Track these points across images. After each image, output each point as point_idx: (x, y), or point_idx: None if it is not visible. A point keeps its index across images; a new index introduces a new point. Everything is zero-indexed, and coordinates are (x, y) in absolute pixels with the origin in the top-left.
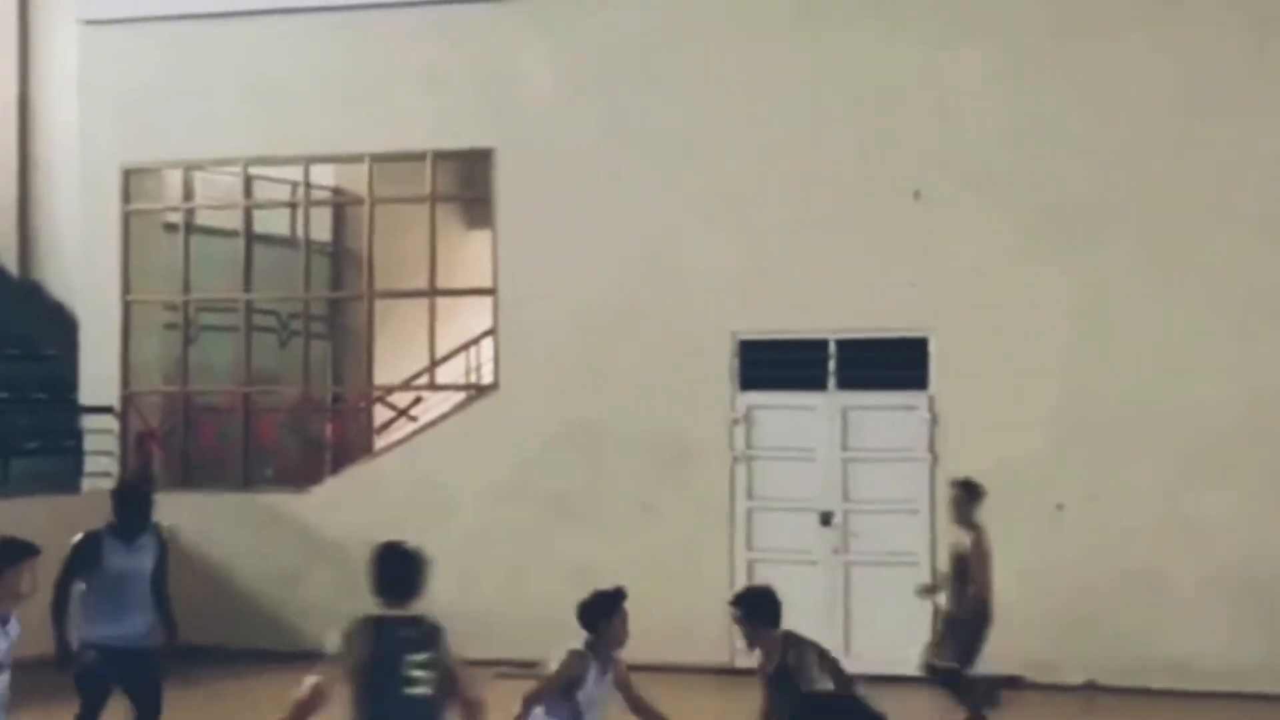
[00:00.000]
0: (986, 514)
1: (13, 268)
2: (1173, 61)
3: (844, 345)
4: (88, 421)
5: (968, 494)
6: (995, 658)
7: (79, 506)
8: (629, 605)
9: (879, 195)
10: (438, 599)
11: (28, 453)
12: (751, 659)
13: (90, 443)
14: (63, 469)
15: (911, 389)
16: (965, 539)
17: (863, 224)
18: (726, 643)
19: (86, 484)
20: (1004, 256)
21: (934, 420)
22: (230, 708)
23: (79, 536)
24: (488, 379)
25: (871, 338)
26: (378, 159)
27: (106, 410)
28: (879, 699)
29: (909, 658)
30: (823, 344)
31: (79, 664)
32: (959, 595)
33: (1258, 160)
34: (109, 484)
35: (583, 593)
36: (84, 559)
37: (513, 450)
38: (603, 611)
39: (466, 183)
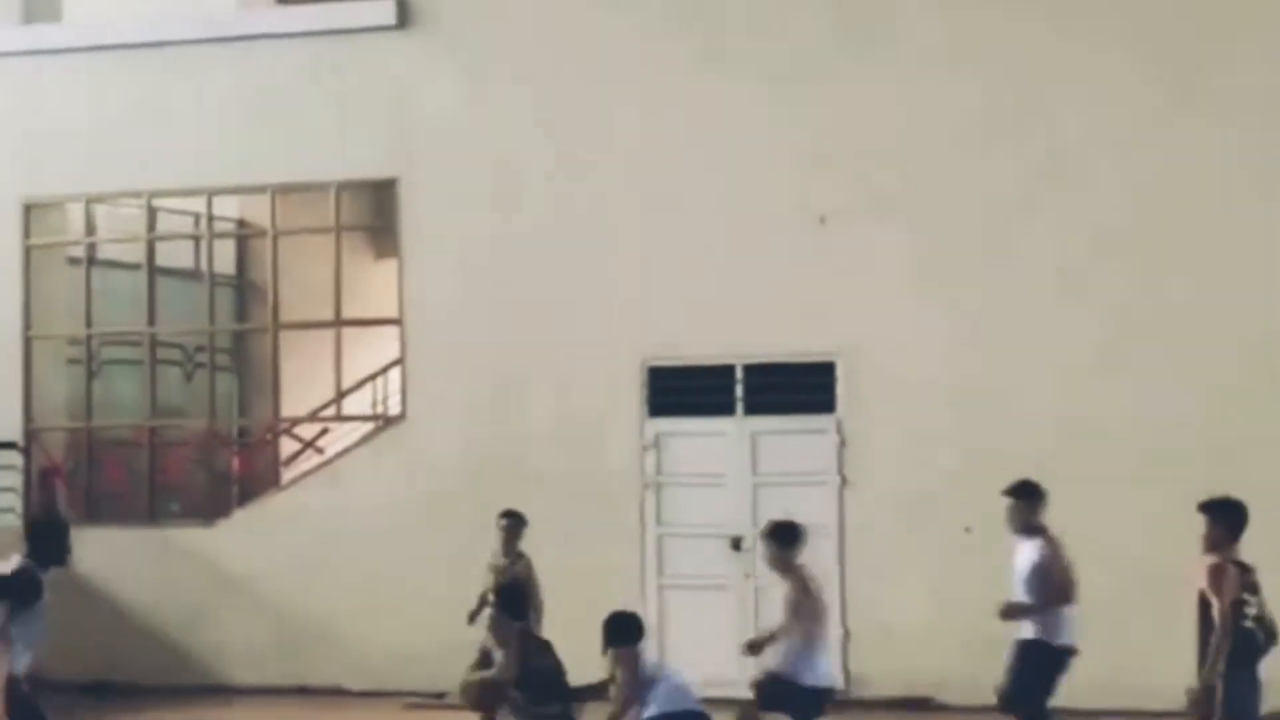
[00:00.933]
0: (896, 536)
1: None
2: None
3: (751, 370)
4: None
5: (1028, 497)
6: (908, 680)
7: None
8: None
9: (785, 220)
10: (344, 631)
11: None
12: None
13: None
14: None
15: (819, 413)
16: (1031, 550)
17: (769, 248)
18: None
19: None
20: (908, 279)
21: (842, 443)
22: None
23: (19, 566)
24: (396, 410)
25: (779, 362)
26: (281, 189)
27: (10, 446)
28: None
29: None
30: (730, 369)
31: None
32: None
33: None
34: (12, 520)
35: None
36: (33, 590)
37: (423, 481)
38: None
39: (372, 212)
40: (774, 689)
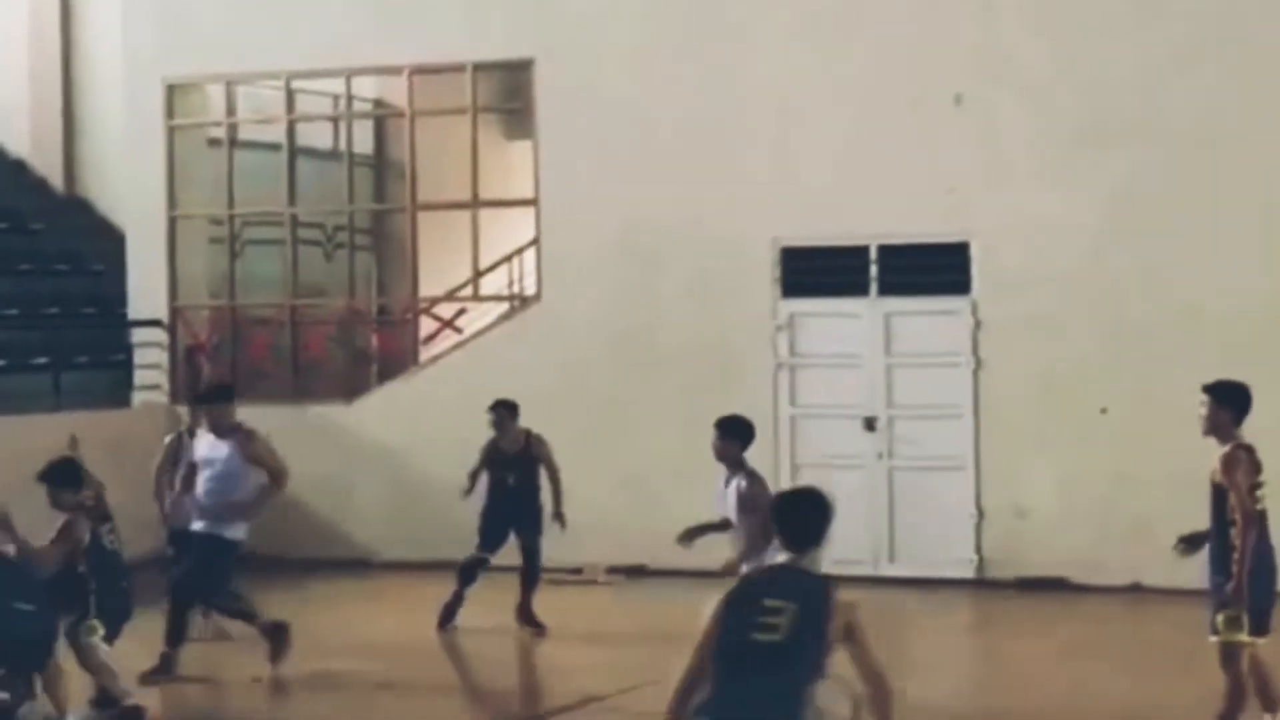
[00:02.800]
0: (1029, 418)
1: (59, 184)
2: None
3: (886, 251)
4: (137, 335)
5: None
6: (1041, 560)
7: (129, 420)
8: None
9: (920, 100)
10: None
11: (78, 367)
12: None
13: (139, 357)
14: (112, 383)
15: (954, 294)
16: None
17: (904, 129)
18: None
19: (136, 398)
20: (1045, 160)
21: (977, 325)
22: (282, 613)
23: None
24: (531, 290)
25: (913, 243)
26: (418, 71)
27: (155, 324)
28: (923, 602)
29: (952, 560)
30: (864, 250)
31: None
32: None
33: None
34: (159, 397)
35: (627, 501)
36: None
37: (556, 360)
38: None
39: (507, 93)
40: None
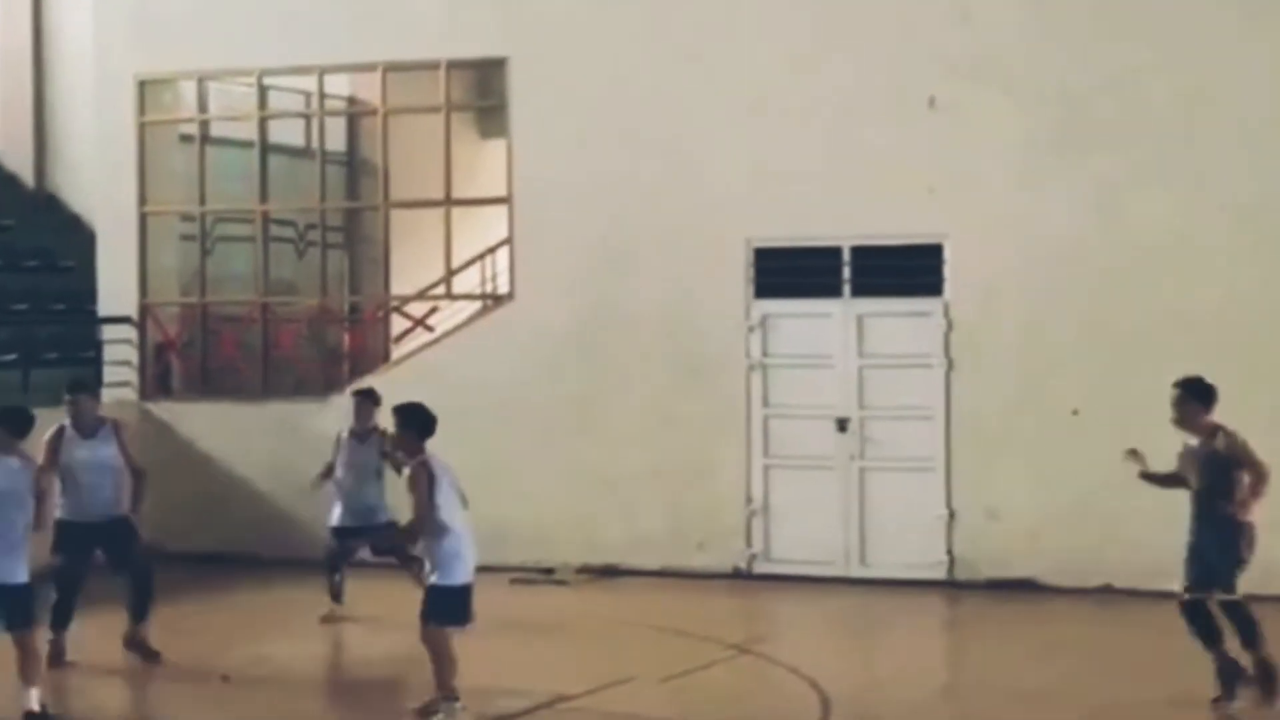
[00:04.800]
0: (1001, 420)
1: (29, 179)
2: None
3: (859, 252)
4: (107, 332)
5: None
6: (1012, 562)
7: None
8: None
9: (896, 101)
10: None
11: (48, 363)
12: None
13: (109, 353)
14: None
15: (927, 295)
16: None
17: (879, 131)
18: (741, 548)
19: (106, 394)
20: (1019, 161)
21: (949, 326)
22: (251, 614)
23: None
24: (504, 288)
25: (886, 244)
26: (391, 68)
27: (125, 321)
28: (894, 604)
29: (923, 562)
30: (838, 251)
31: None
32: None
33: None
34: (129, 394)
35: (600, 500)
36: None
37: (529, 359)
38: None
39: (481, 91)
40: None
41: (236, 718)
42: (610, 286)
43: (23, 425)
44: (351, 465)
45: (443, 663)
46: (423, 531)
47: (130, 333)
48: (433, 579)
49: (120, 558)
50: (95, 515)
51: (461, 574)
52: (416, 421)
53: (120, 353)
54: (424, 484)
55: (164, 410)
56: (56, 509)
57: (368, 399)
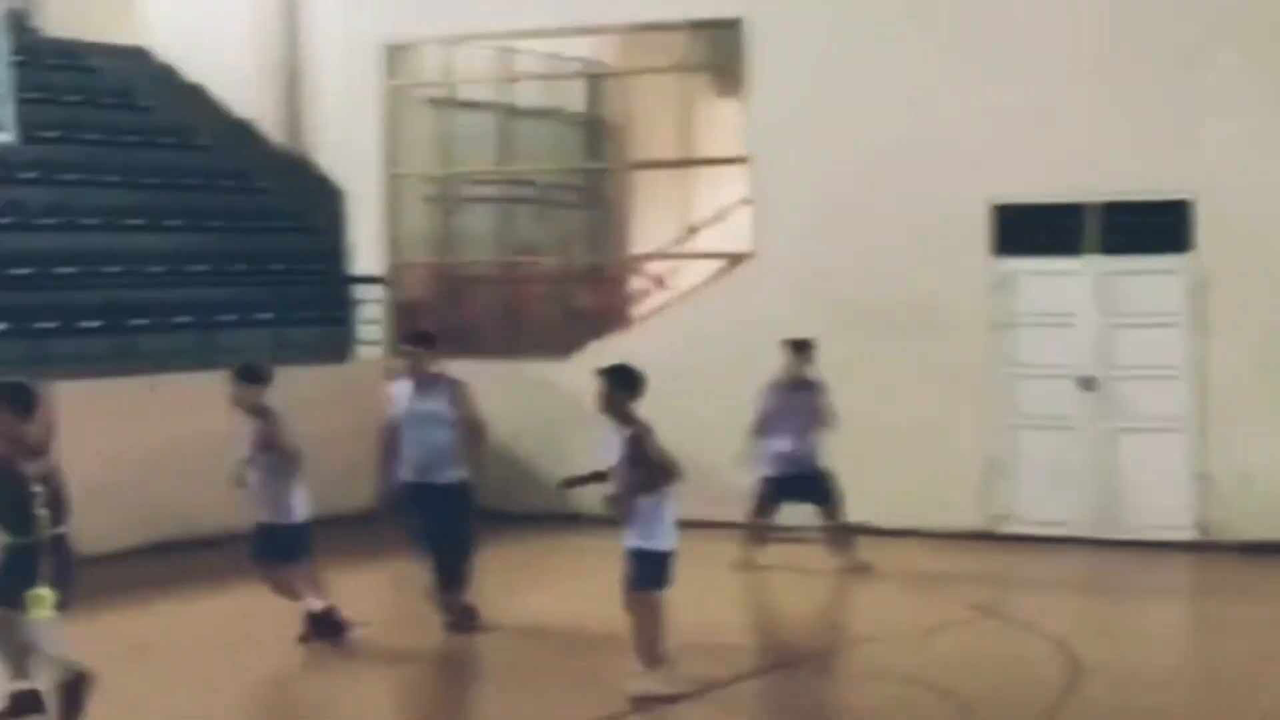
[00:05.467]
0: (1252, 379)
1: (283, 143)
2: None
3: (1104, 209)
4: (357, 292)
5: None
6: (1265, 526)
7: (348, 375)
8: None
9: (1142, 54)
10: (692, 462)
11: (300, 322)
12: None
13: (359, 313)
14: (333, 338)
15: (1173, 253)
16: None
17: (1126, 84)
18: (984, 508)
19: (356, 354)
20: (1269, 116)
21: (1198, 284)
22: (489, 570)
23: None
24: (744, 247)
25: (1132, 200)
26: (631, 30)
27: (375, 281)
28: (1141, 567)
29: (1171, 524)
30: (1080, 208)
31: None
32: None
33: None
34: (378, 353)
35: (839, 456)
36: None
37: (768, 319)
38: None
39: (718, 51)
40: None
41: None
42: (849, 245)
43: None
44: None
45: (653, 629)
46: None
47: (380, 293)
48: (639, 543)
49: (446, 520)
50: (429, 473)
51: (671, 539)
52: (627, 382)
53: (370, 312)
54: (657, 443)
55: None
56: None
57: None
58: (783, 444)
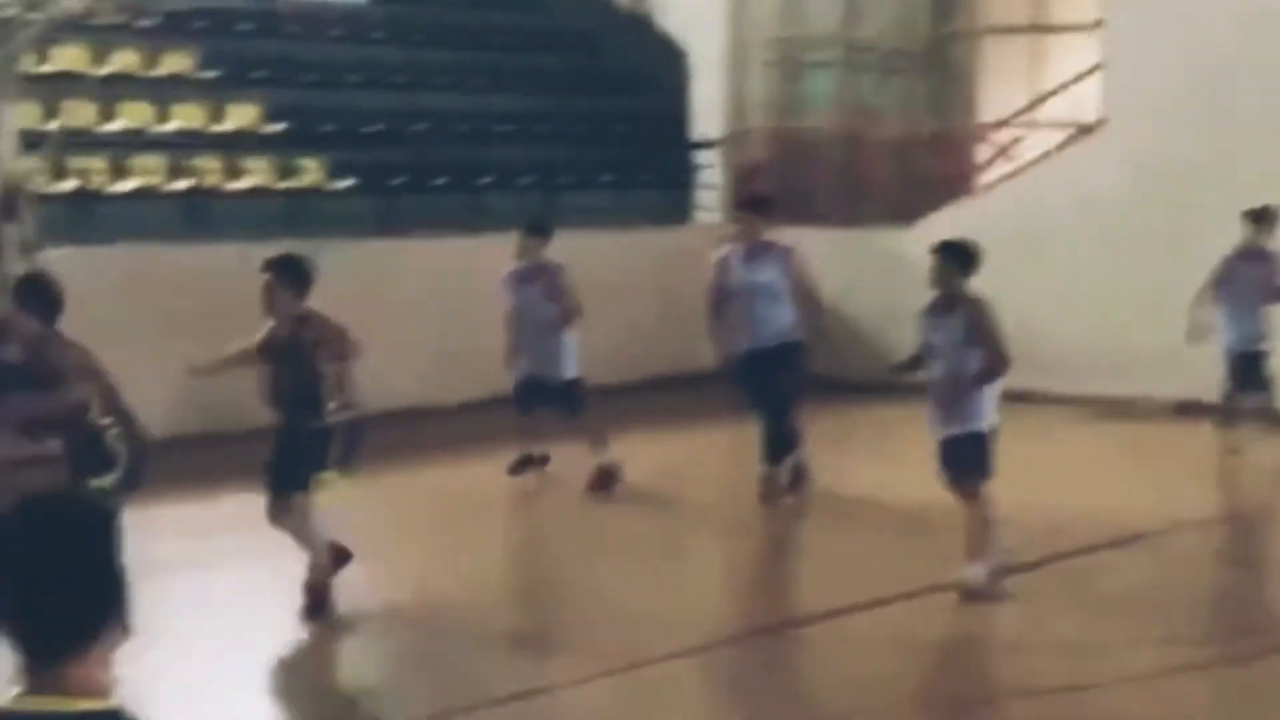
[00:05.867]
0: None
1: (626, 3)
2: None
3: None
4: (697, 156)
5: None
6: None
7: (684, 238)
8: None
9: None
10: (1036, 331)
11: (641, 185)
12: None
13: (700, 177)
14: (673, 201)
15: None
16: None
17: None
18: None
19: (695, 218)
20: None
21: None
22: (828, 434)
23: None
24: (1093, 116)
25: None
26: None
27: (715, 144)
28: None
29: None
30: None
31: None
32: None
33: None
34: (716, 217)
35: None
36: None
37: (1115, 191)
38: None
39: None
40: None
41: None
42: (1203, 118)
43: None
44: None
45: (985, 520)
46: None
47: (720, 157)
48: (979, 426)
49: (774, 386)
50: (760, 340)
51: (995, 419)
52: (961, 258)
53: (710, 176)
54: (993, 322)
55: None
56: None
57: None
58: (1233, 318)
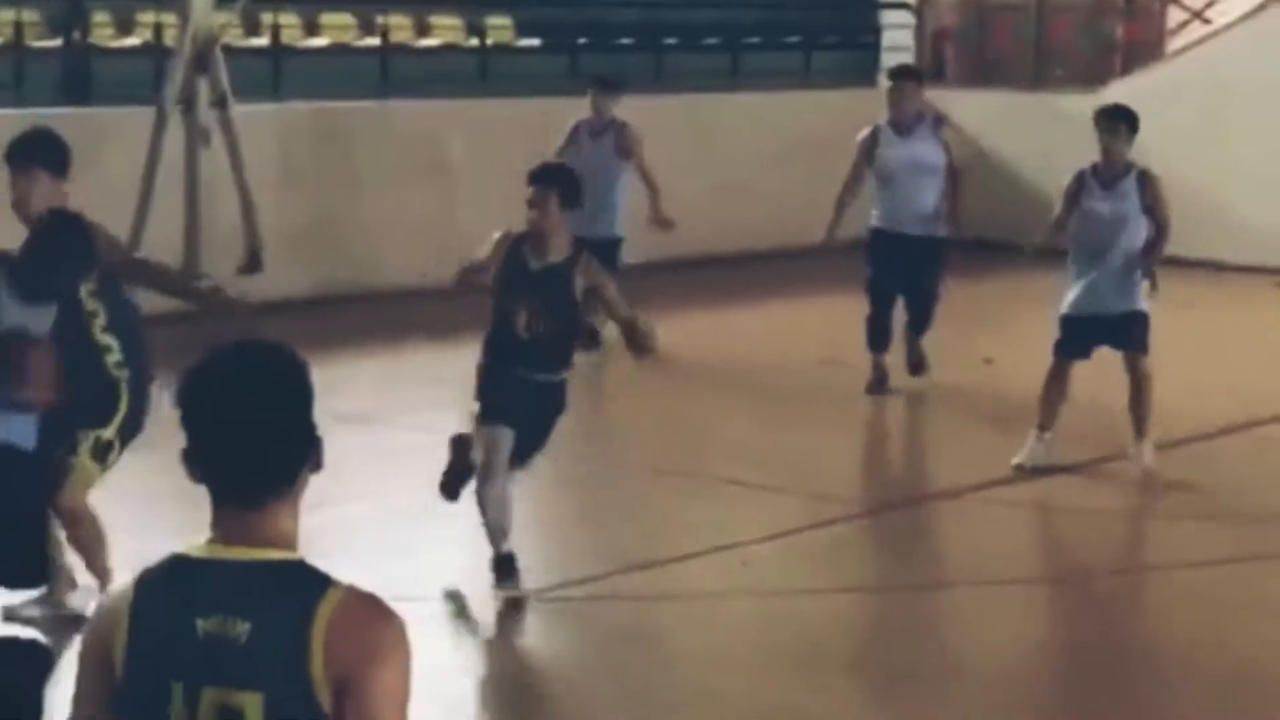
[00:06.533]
0: None
1: None
2: None
3: None
4: (885, 18)
5: None
6: None
7: (874, 100)
8: None
9: None
10: (1225, 203)
11: (827, 46)
12: None
13: (887, 39)
14: (860, 64)
15: None
16: None
17: None
18: None
19: (882, 81)
20: None
21: None
22: (1000, 298)
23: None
24: None
25: None
26: None
27: (904, 7)
28: None
29: None
30: None
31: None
32: None
33: None
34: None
35: None
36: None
37: None
38: None
39: None
40: None
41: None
42: None
43: None
44: None
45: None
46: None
47: (909, 19)
48: (1144, 304)
49: (917, 279)
50: (908, 225)
51: None
52: (1133, 124)
53: (899, 38)
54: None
55: (938, 98)
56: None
57: None
58: None
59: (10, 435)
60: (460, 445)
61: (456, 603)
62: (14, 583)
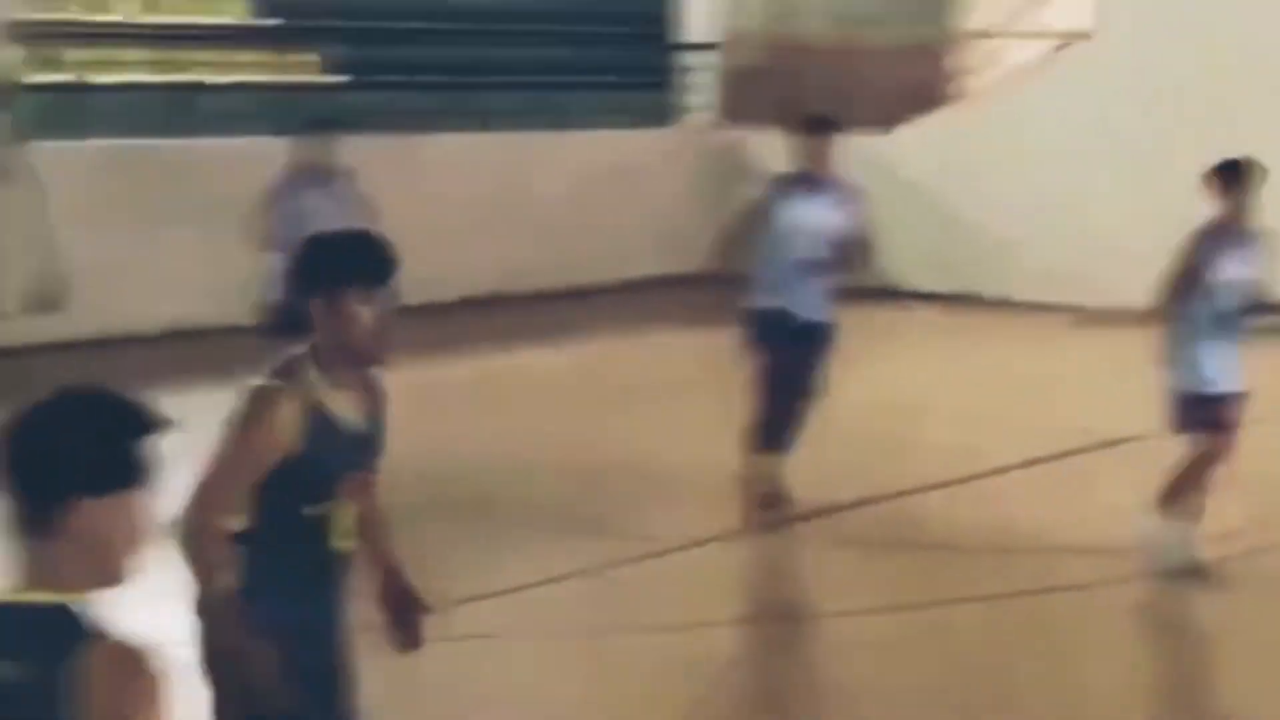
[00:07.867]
0: None
1: None
2: None
3: None
4: (687, 58)
5: None
6: None
7: (675, 140)
8: None
9: None
10: (1014, 243)
11: (627, 87)
12: None
13: (690, 79)
14: (661, 104)
15: None
16: None
17: None
18: None
19: (685, 120)
20: None
21: None
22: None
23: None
24: (1083, 27)
25: None
26: None
27: (709, 48)
28: None
29: None
30: None
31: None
32: None
33: None
34: (707, 121)
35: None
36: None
37: (1103, 102)
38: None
39: None
40: None
41: None
42: (1207, 28)
43: None
44: None
45: None
46: None
47: (713, 59)
48: None
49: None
50: (801, 304)
51: None
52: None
53: (703, 79)
54: None
55: (738, 140)
56: None
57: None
58: None
59: None
60: None
61: None
62: None
